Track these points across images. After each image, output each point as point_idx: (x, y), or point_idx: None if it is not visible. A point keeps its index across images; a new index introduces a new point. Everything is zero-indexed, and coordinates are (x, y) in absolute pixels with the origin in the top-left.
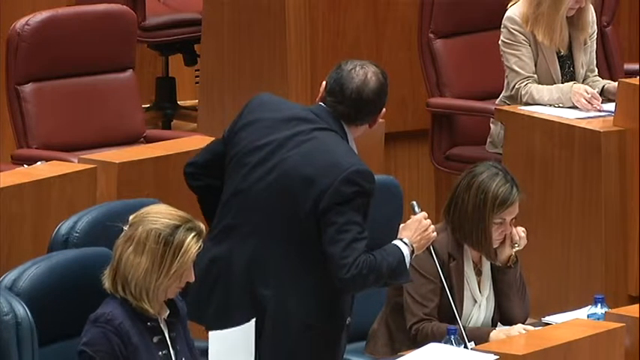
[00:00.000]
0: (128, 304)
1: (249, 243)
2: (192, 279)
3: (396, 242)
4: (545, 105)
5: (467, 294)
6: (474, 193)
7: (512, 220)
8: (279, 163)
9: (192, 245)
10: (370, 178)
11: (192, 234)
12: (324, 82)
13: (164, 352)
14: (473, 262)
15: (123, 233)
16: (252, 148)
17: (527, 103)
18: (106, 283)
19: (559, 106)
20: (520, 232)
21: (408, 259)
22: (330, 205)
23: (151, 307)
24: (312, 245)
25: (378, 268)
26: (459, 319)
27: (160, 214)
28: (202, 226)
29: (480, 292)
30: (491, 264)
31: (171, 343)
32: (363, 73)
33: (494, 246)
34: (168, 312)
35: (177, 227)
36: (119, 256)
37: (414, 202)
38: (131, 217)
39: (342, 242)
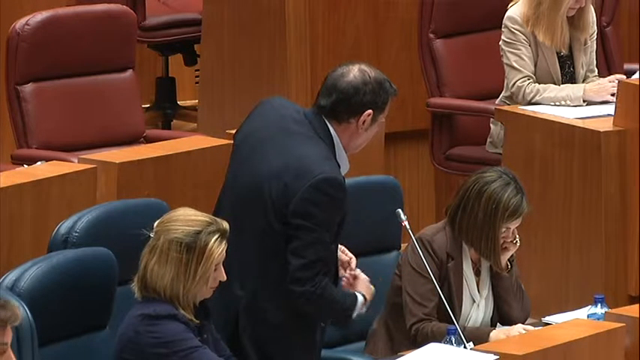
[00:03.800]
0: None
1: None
2: (224, 278)
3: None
4: (550, 102)
5: (465, 294)
6: (485, 202)
7: (515, 229)
8: (256, 164)
9: (215, 248)
10: (338, 186)
11: (215, 236)
12: None
13: None
14: (472, 261)
15: (148, 242)
16: (239, 147)
17: (529, 102)
18: (137, 293)
19: (557, 105)
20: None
21: (357, 310)
22: (299, 215)
23: (186, 313)
24: (285, 247)
25: (332, 299)
26: (454, 319)
27: (180, 222)
28: (225, 224)
29: (478, 292)
30: (490, 266)
31: (207, 345)
32: (348, 68)
33: None
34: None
35: (198, 233)
36: (144, 267)
37: (399, 210)
38: (155, 224)
39: (304, 259)
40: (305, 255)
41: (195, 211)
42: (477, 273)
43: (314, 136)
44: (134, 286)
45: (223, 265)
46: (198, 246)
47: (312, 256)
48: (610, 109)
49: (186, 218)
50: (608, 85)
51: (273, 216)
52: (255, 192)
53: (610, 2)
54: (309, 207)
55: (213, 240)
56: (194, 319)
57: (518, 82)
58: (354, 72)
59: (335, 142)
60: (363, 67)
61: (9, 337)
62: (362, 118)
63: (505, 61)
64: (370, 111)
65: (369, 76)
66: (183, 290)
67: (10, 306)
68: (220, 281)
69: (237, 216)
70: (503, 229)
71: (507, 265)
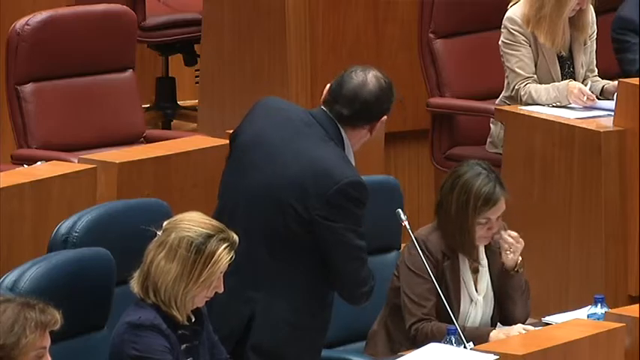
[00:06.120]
0: (161, 311)
1: (239, 245)
2: (222, 289)
3: None
4: (543, 104)
5: (463, 292)
6: (457, 194)
7: (498, 218)
8: (271, 166)
9: (223, 256)
10: (362, 189)
11: (225, 244)
12: (328, 85)
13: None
14: (468, 260)
15: (155, 238)
16: (248, 148)
17: (526, 104)
18: (135, 288)
19: (557, 106)
20: (508, 238)
21: None
22: (333, 220)
23: (180, 315)
24: (301, 248)
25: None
26: (454, 319)
27: (193, 222)
28: (235, 236)
29: (476, 290)
30: (489, 264)
31: (196, 352)
32: (363, 75)
33: (482, 244)
34: (194, 319)
35: (210, 236)
36: (150, 261)
37: (399, 210)
38: (165, 223)
39: (359, 260)
40: (357, 256)
41: (208, 217)
42: (475, 271)
43: (326, 139)
44: (133, 281)
45: (224, 276)
46: (208, 249)
47: (362, 255)
48: (610, 108)
49: (199, 220)
50: (584, 100)
51: (293, 219)
52: (271, 195)
53: None
54: (342, 212)
55: (223, 247)
56: (185, 323)
57: (516, 86)
58: (372, 81)
59: (345, 143)
60: (375, 72)
61: (47, 341)
62: (377, 123)
63: (505, 63)
64: (385, 117)
65: (385, 83)
66: (183, 290)
67: (51, 310)
68: (217, 292)
69: (247, 218)
70: (483, 220)
71: (520, 265)
